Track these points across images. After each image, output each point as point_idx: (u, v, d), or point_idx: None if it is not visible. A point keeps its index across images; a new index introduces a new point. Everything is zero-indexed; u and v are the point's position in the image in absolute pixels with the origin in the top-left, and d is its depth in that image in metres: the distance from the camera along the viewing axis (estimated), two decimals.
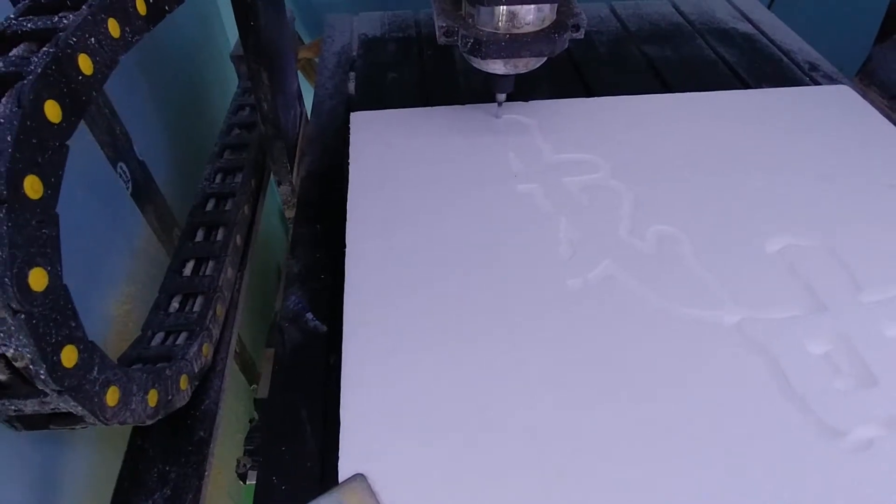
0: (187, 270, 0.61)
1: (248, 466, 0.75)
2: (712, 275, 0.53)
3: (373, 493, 0.39)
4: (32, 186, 0.32)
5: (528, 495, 0.40)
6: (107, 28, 0.40)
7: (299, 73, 1.25)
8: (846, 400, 0.44)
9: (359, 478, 0.40)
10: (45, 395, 0.34)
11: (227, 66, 1.04)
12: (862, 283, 0.52)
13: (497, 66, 0.60)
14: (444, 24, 0.57)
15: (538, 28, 0.57)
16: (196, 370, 0.52)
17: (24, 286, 0.31)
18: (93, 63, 0.38)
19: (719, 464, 0.41)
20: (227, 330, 0.60)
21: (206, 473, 0.49)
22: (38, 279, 0.32)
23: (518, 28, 0.56)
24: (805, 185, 0.62)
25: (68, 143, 0.36)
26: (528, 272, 0.54)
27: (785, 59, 0.84)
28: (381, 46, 0.89)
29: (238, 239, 0.67)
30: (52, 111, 0.34)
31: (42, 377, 0.33)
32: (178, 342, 0.54)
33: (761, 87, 0.77)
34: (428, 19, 0.95)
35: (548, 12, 0.57)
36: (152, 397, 0.45)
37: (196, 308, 0.57)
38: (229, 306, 0.62)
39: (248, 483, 0.76)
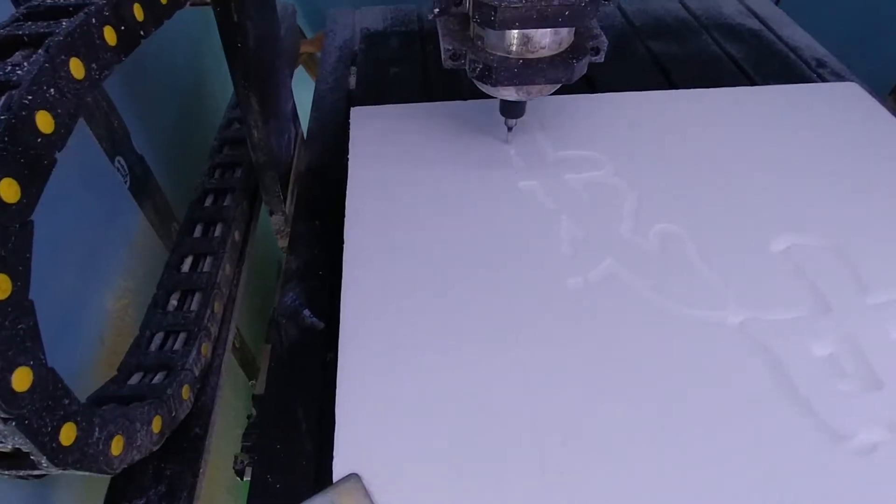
0: (185, 266, 0.61)
1: (246, 463, 0.75)
2: (716, 274, 0.52)
3: (367, 494, 0.39)
4: (0, 286, 0.29)
5: (525, 496, 0.39)
6: (68, 71, 0.34)
7: (301, 67, 1.24)
8: (851, 403, 0.44)
9: (353, 478, 0.40)
10: None
11: None
12: (868, 284, 0.51)
13: (508, 93, 0.55)
14: (450, 47, 0.53)
15: (554, 52, 0.52)
16: (197, 374, 0.52)
17: (8, 393, 0.29)
18: (53, 118, 0.33)
19: (721, 465, 0.40)
20: (224, 327, 0.59)
21: (202, 470, 0.49)
22: (22, 379, 0.30)
23: (532, 52, 0.51)
24: (811, 183, 0.61)
25: (33, 217, 0.32)
26: (528, 271, 0.53)
27: (792, 55, 0.82)
28: (382, 41, 0.88)
29: (237, 235, 0.66)
30: (9, 191, 0.30)
31: (44, 465, 0.32)
32: (176, 344, 0.53)
33: (768, 84, 0.76)
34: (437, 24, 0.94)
35: (565, 35, 0.52)
36: (156, 424, 0.44)
37: (194, 306, 0.56)
38: (227, 303, 0.62)
39: (245, 479, 0.76)
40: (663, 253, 0.54)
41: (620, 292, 0.51)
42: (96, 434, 0.36)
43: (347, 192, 0.61)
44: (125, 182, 0.65)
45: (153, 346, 0.53)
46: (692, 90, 0.74)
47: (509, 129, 0.63)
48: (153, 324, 0.55)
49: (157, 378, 0.49)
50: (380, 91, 0.77)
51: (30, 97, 0.31)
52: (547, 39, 0.51)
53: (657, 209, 0.58)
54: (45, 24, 0.36)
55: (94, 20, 0.37)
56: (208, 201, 0.69)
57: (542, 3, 0.46)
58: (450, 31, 0.55)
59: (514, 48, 0.51)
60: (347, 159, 0.65)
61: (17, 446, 0.31)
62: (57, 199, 0.52)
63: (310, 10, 1.26)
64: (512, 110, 0.60)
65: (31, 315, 0.31)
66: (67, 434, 0.33)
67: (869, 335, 0.47)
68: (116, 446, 0.38)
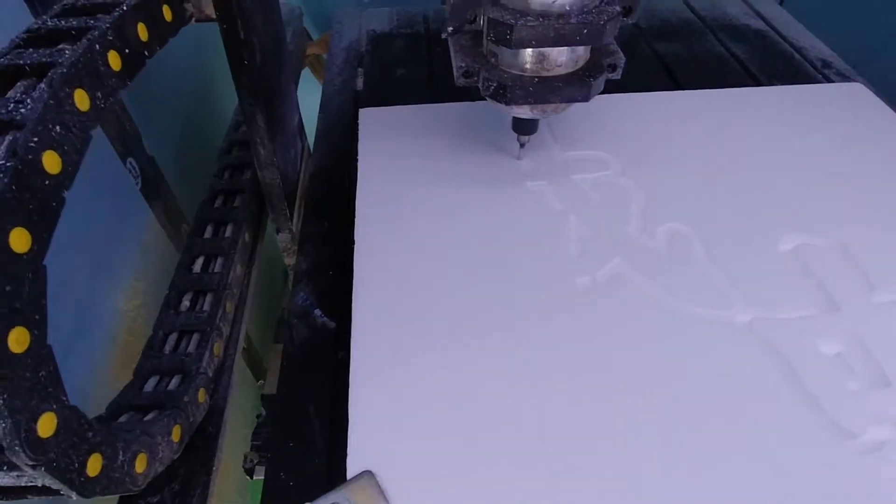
0: (197, 267, 0.61)
1: (255, 462, 0.75)
2: (723, 274, 0.52)
3: (381, 490, 0.39)
4: (18, 340, 0.28)
5: (537, 493, 0.40)
6: (73, 104, 0.33)
7: (307, 69, 1.25)
8: (859, 401, 0.44)
9: (367, 475, 0.40)
10: None
11: None
12: (875, 282, 0.51)
13: (523, 111, 0.54)
14: (463, 65, 0.52)
15: (571, 70, 0.51)
16: (211, 375, 0.52)
17: (34, 442, 0.29)
18: (60, 157, 0.32)
19: (729, 464, 0.41)
20: (235, 326, 0.60)
21: (214, 468, 0.49)
22: (46, 425, 0.30)
23: (548, 71, 0.50)
24: (818, 183, 0.61)
25: (45, 262, 0.31)
26: (536, 270, 0.53)
27: (797, 55, 0.83)
28: (389, 42, 0.89)
29: (247, 235, 0.67)
30: (20, 241, 0.28)
31: (74, 498, 0.33)
32: (190, 345, 0.53)
33: (773, 85, 0.76)
34: (437, 15, 0.94)
35: (582, 53, 0.51)
36: (176, 433, 0.44)
37: (206, 306, 0.57)
38: (238, 303, 0.62)
39: (255, 478, 0.76)
40: (671, 252, 0.55)
41: (628, 291, 0.52)
42: (121, 457, 0.37)
43: (357, 192, 0.61)
44: (136, 183, 0.66)
45: (167, 348, 0.54)
46: (698, 91, 0.74)
47: (521, 145, 0.62)
48: (166, 324, 0.55)
49: (173, 383, 0.50)
50: (387, 92, 0.78)
51: (35, 139, 0.30)
52: (563, 58, 0.50)
53: (664, 209, 0.58)
54: (48, 51, 0.34)
55: (97, 46, 0.36)
56: (218, 202, 0.70)
57: (560, 22, 0.45)
58: (462, 47, 0.54)
59: (529, 66, 0.50)
60: (356, 160, 0.65)
61: (46, 485, 0.31)
62: (70, 200, 0.53)
63: (316, 12, 1.27)
64: (525, 127, 0.59)
65: (50, 360, 0.30)
66: (94, 466, 0.33)
67: (877, 333, 0.47)
68: (140, 464, 0.39)
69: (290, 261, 0.72)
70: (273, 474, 0.43)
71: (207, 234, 0.65)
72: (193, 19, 0.51)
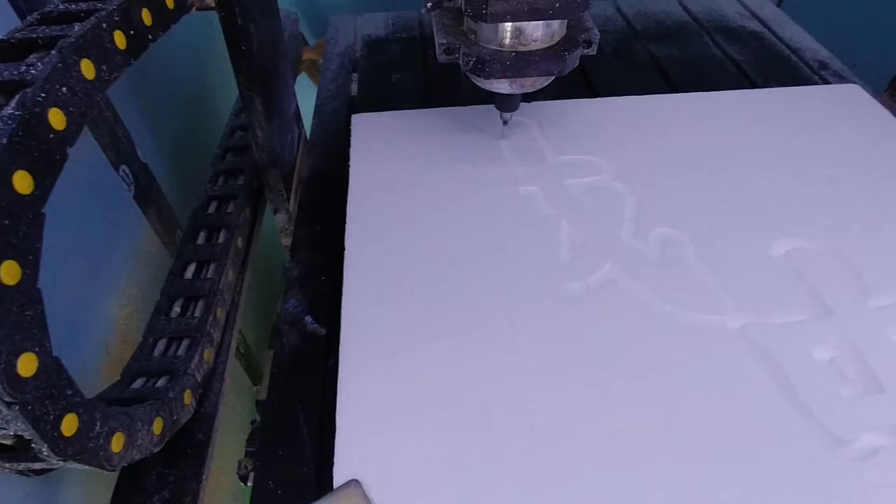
0: (188, 273, 0.61)
1: (250, 468, 0.75)
2: (716, 279, 0.52)
3: (367, 500, 0.39)
4: (9, 272, 0.30)
5: (526, 500, 0.39)
6: (80, 71, 0.36)
7: (304, 74, 1.25)
8: (852, 407, 0.43)
9: (353, 483, 0.40)
10: None
11: (231, 67, 1.04)
12: (869, 287, 0.51)
13: (502, 86, 0.56)
14: (444, 42, 0.54)
15: (547, 45, 0.52)
16: (199, 380, 0.52)
17: (13, 377, 0.30)
18: (65, 116, 0.34)
19: (722, 471, 0.40)
20: (227, 333, 0.60)
21: (205, 476, 0.49)
22: (27, 365, 0.30)
23: (525, 45, 0.52)
24: (812, 186, 0.61)
25: (44, 210, 0.33)
26: (528, 275, 0.53)
27: (793, 57, 0.82)
28: (384, 47, 0.89)
29: (240, 241, 0.67)
30: (23, 182, 0.31)
31: (45, 454, 0.33)
32: (179, 350, 0.54)
33: (769, 87, 0.76)
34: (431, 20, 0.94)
35: (557, 28, 0.53)
36: (157, 426, 0.45)
37: (197, 313, 0.57)
38: (230, 309, 0.62)
39: (248, 485, 0.76)
40: (663, 257, 0.54)
41: (621, 297, 0.51)
42: (97, 428, 0.37)
43: (348, 199, 0.61)
44: (129, 190, 0.66)
45: (156, 353, 0.54)
46: (693, 93, 0.74)
47: (504, 122, 0.64)
48: (156, 330, 0.55)
49: (160, 383, 0.50)
50: (381, 97, 0.78)
51: (43, 95, 0.33)
52: (539, 32, 0.52)
53: (657, 213, 0.58)
54: (59, 27, 0.37)
55: (104, 25, 0.39)
56: (211, 208, 0.70)
57: None
58: (444, 25, 0.56)
59: (506, 41, 0.52)
60: (349, 166, 0.65)
61: (19, 433, 0.31)
62: (62, 206, 0.53)
63: (312, 17, 1.27)
64: (506, 103, 0.61)
65: (38, 303, 0.32)
66: (69, 425, 0.34)
67: (870, 339, 0.47)
68: (117, 443, 0.39)
69: (287, 241, 0.74)
70: (261, 481, 0.43)
71: (200, 240, 0.65)
72: (194, 8, 0.52)
